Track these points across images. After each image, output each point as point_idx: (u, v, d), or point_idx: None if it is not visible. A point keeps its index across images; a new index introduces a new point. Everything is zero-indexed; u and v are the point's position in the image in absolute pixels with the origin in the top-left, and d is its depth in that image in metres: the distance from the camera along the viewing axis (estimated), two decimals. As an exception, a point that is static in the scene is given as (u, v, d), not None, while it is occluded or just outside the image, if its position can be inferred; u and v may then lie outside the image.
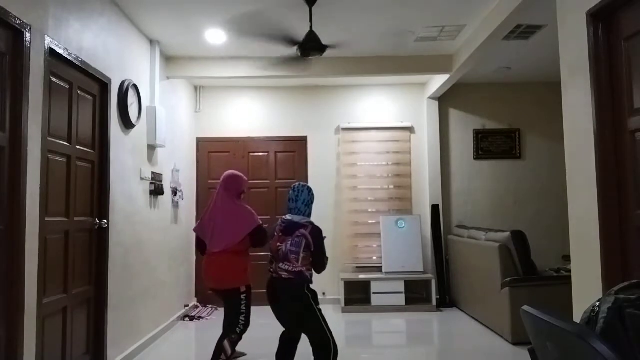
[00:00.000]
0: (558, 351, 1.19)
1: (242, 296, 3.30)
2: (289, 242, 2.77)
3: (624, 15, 2.36)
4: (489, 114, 6.33)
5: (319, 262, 2.86)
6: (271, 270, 2.89)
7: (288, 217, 2.91)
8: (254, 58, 5.11)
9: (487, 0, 3.83)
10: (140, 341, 4.11)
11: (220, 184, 3.44)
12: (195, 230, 3.48)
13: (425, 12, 4.07)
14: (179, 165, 5.44)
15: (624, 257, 2.37)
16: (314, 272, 2.87)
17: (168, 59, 5.08)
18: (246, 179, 3.53)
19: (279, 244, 2.83)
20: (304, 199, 2.94)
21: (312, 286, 2.86)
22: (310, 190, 2.99)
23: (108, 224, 3.52)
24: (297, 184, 3.03)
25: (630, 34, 2.32)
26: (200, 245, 3.46)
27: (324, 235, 2.91)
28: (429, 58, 5.18)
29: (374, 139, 6.25)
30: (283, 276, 2.76)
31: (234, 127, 6.27)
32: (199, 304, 5.92)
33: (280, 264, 2.78)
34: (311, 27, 3.79)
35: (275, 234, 2.89)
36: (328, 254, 3.00)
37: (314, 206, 6.07)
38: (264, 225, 3.42)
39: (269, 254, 2.97)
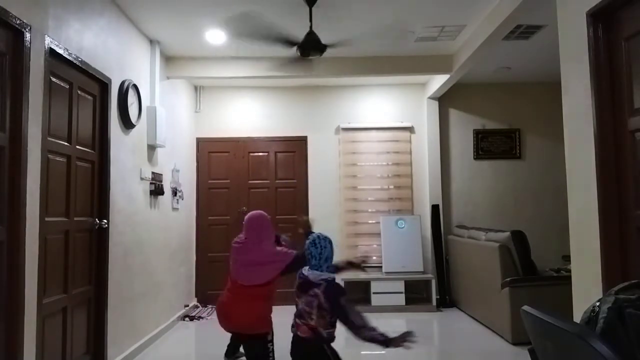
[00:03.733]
0: (558, 351, 1.19)
1: (269, 344, 3.02)
2: (303, 300, 2.55)
3: (624, 15, 2.36)
4: (489, 114, 6.33)
5: (349, 325, 2.46)
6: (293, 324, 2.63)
7: (305, 272, 2.62)
8: (254, 58, 5.11)
9: (487, 0, 3.83)
10: (140, 341, 4.11)
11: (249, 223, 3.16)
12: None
13: (425, 12, 4.07)
14: (179, 165, 5.44)
15: (624, 257, 2.37)
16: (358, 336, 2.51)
17: (168, 59, 5.08)
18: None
19: (296, 298, 2.62)
20: (327, 255, 2.62)
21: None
22: (331, 243, 2.68)
23: (108, 224, 3.52)
24: (317, 237, 2.65)
25: (630, 34, 2.32)
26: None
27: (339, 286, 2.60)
28: (429, 58, 5.18)
29: (374, 139, 6.24)
30: (299, 333, 2.54)
31: (234, 127, 6.26)
32: (199, 304, 5.92)
33: (297, 319, 2.57)
34: (311, 27, 3.79)
35: (295, 288, 2.66)
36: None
37: (315, 205, 6.12)
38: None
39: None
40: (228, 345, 3.69)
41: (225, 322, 3.03)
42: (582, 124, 2.61)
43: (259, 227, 3.10)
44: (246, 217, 3.18)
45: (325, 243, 2.63)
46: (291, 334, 2.62)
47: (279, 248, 3.12)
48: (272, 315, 3.12)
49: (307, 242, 2.65)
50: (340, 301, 2.48)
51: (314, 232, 2.79)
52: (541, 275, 4.60)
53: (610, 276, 2.38)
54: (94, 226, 3.42)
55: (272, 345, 3.05)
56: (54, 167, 2.92)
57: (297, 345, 2.58)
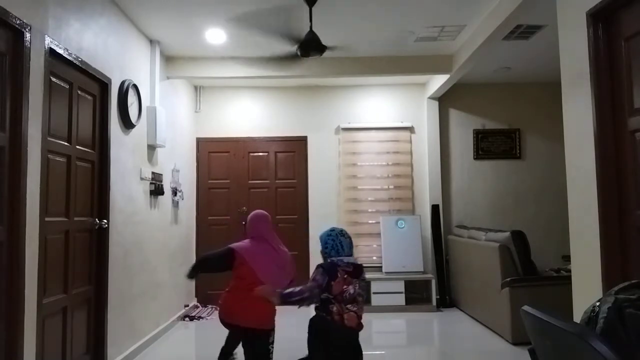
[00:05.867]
0: (558, 351, 1.19)
1: (271, 346, 3.01)
2: (357, 285, 2.63)
3: (624, 15, 2.36)
4: (489, 114, 6.33)
5: None
6: (332, 312, 2.58)
7: (345, 260, 2.69)
8: (254, 58, 5.10)
9: (487, 0, 3.83)
10: (140, 341, 4.11)
11: (260, 224, 3.16)
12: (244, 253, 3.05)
13: (425, 12, 4.07)
14: (179, 165, 5.44)
15: (624, 257, 2.37)
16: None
17: (168, 59, 5.08)
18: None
19: (345, 286, 2.60)
20: (351, 243, 2.83)
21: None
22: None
23: (108, 224, 3.52)
24: (340, 230, 2.85)
25: (630, 34, 2.32)
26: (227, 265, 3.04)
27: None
28: (429, 58, 5.18)
29: (374, 139, 6.25)
30: (346, 322, 2.56)
31: (234, 127, 6.27)
32: (199, 304, 5.92)
33: (349, 305, 2.58)
34: (311, 27, 3.79)
35: (339, 275, 2.61)
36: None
37: (315, 205, 6.12)
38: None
39: (328, 296, 2.60)
40: (222, 350, 3.61)
41: (237, 317, 3.00)
42: (582, 124, 2.61)
43: (271, 228, 3.18)
44: (258, 216, 3.19)
45: (348, 234, 2.87)
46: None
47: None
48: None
49: (333, 234, 2.82)
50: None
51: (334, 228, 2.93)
52: (541, 275, 4.59)
53: (610, 276, 2.38)
54: (94, 226, 3.42)
55: (273, 347, 3.04)
56: (54, 167, 2.92)
57: (343, 335, 2.59)
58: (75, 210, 3.17)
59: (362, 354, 2.69)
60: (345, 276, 2.62)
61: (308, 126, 6.29)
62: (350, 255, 2.76)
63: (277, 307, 3.07)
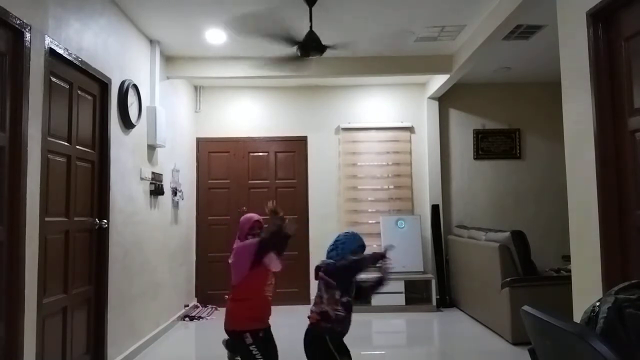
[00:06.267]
0: (558, 351, 1.19)
1: (251, 347, 2.89)
2: (317, 287, 2.71)
3: (624, 15, 2.36)
4: (489, 114, 6.33)
5: (360, 266, 2.77)
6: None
7: (323, 261, 2.79)
8: (254, 58, 5.10)
9: (487, 0, 3.83)
10: (140, 341, 4.11)
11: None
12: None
13: (425, 12, 4.07)
14: (179, 165, 5.43)
15: (624, 257, 2.37)
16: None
17: (168, 59, 5.08)
18: (253, 219, 3.07)
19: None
20: (343, 246, 2.81)
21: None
22: (347, 236, 2.88)
23: (108, 224, 3.52)
24: (342, 233, 2.92)
25: (630, 34, 2.32)
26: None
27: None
28: (429, 58, 5.18)
29: (374, 139, 6.25)
30: (312, 320, 2.64)
31: (234, 127, 6.27)
32: (199, 304, 5.92)
33: (313, 307, 2.67)
34: (311, 27, 3.79)
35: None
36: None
37: (315, 205, 6.12)
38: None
39: None
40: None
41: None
42: (582, 124, 2.61)
43: (242, 228, 3.10)
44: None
45: (339, 236, 2.88)
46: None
47: (242, 242, 3.04)
48: (268, 316, 3.02)
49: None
50: (340, 265, 2.67)
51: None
52: (541, 275, 4.59)
53: (610, 276, 2.38)
54: (94, 226, 3.42)
55: (255, 348, 2.89)
56: (54, 167, 2.92)
57: (306, 333, 2.67)
58: (75, 210, 3.17)
59: (346, 355, 2.66)
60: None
61: (308, 126, 6.28)
62: (330, 257, 2.74)
63: (253, 310, 2.95)
